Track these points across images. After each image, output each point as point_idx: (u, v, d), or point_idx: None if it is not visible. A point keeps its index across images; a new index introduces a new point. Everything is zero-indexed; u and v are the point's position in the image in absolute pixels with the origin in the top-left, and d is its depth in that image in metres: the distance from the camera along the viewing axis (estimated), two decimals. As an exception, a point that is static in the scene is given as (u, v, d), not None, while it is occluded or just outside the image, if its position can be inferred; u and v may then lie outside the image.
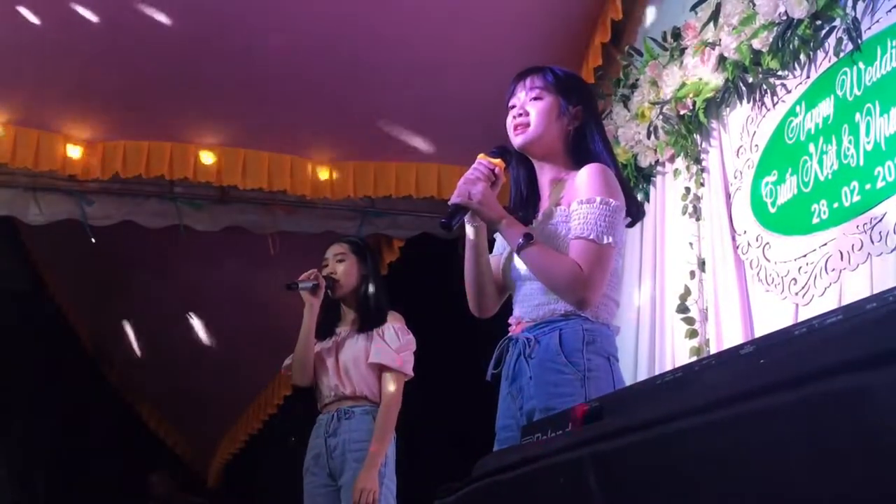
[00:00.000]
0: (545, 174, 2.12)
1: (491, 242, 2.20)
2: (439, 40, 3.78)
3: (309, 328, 3.11)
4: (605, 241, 1.91)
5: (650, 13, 3.60)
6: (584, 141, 2.08)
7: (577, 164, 2.05)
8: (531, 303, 2.04)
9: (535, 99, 2.08)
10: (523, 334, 2.03)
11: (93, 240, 4.56)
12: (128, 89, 3.98)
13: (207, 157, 4.33)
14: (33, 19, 3.54)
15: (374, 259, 3.34)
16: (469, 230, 2.08)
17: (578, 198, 1.95)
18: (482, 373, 2.17)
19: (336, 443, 3.03)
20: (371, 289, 3.13)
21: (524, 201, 2.14)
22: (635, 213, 2.10)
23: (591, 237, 1.91)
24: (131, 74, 3.87)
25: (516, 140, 2.08)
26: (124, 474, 7.16)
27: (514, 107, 2.10)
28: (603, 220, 1.91)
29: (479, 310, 2.19)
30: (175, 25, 3.64)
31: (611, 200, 1.93)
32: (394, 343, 3.05)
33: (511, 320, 2.12)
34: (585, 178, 1.96)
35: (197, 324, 5.91)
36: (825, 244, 2.43)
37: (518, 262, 2.05)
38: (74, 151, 4.21)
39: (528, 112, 2.07)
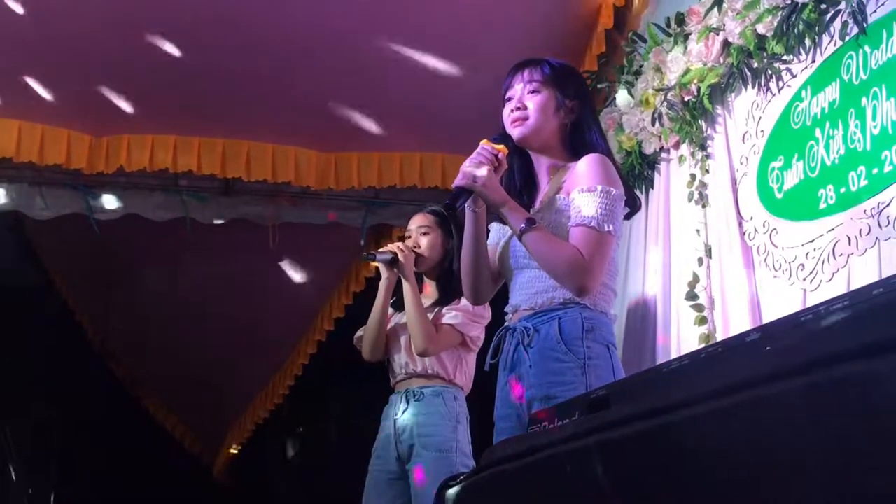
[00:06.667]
0: (542, 164, 2.12)
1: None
2: (441, 30, 3.77)
3: (384, 303, 2.93)
4: (606, 229, 1.91)
5: (653, -1, 3.59)
6: (580, 133, 2.08)
7: (574, 154, 2.05)
8: (529, 290, 2.03)
9: (533, 92, 2.07)
10: (521, 323, 2.02)
11: (98, 234, 4.56)
12: (131, 84, 3.98)
13: (211, 150, 4.33)
14: (37, 14, 3.54)
15: (461, 232, 3.18)
16: (469, 216, 2.07)
17: (579, 186, 1.95)
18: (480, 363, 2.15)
19: (405, 426, 2.87)
20: (455, 263, 2.84)
21: (519, 190, 2.13)
22: (632, 204, 2.11)
23: (592, 224, 1.91)
24: (134, 69, 3.87)
25: (514, 132, 2.06)
26: (134, 468, 7.19)
27: (510, 99, 2.10)
28: (603, 207, 1.91)
29: (475, 296, 2.19)
30: (177, 21, 3.63)
31: (611, 189, 1.94)
32: (468, 309, 2.84)
33: (507, 309, 2.10)
34: (586, 168, 1.97)
35: (203, 316, 5.91)
36: (832, 229, 2.42)
37: (516, 251, 2.05)
38: (79, 145, 4.21)
39: (527, 106, 2.06)
